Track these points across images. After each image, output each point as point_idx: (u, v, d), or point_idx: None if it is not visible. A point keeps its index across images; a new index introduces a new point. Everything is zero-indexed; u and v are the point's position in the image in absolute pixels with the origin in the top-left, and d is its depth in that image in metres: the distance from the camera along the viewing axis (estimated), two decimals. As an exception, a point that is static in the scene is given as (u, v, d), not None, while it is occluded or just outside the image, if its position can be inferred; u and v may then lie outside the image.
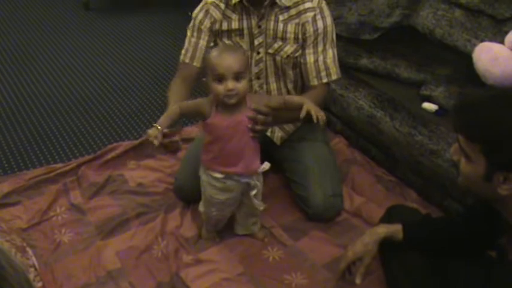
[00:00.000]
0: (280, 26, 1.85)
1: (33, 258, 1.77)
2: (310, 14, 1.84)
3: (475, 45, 2.23)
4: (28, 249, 1.81)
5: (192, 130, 2.50)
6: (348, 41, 2.51)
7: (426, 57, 2.43)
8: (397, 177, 2.19)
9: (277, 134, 2.05)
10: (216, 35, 1.91)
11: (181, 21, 3.82)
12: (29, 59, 3.36)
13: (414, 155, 2.02)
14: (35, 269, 1.72)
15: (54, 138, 2.54)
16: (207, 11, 1.89)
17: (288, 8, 1.84)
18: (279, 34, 1.86)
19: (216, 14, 1.88)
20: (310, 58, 1.88)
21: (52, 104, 2.83)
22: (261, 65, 1.92)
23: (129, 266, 1.79)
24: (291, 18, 1.85)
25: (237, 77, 1.54)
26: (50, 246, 1.87)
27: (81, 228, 1.96)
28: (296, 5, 1.84)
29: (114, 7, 4.31)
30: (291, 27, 1.85)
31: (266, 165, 1.70)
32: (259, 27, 1.86)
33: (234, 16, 1.87)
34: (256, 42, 1.89)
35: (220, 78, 1.54)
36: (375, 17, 2.56)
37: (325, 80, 1.91)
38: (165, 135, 1.59)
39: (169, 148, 1.66)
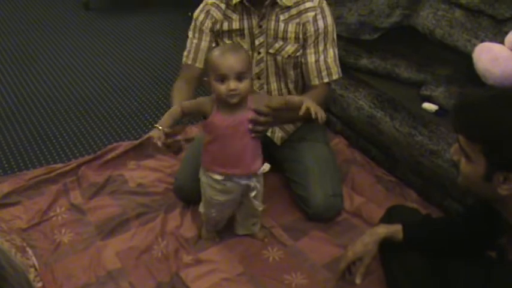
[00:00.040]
0: (281, 25, 1.85)
1: (33, 258, 1.77)
2: (310, 14, 1.84)
3: (475, 45, 2.23)
4: (28, 249, 1.81)
5: (192, 130, 2.50)
6: (348, 41, 2.51)
7: (426, 57, 2.43)
8: (397, 178, 2.19)
9: (277, 134, 2.05)
10: (217, 36, 1.91)
11: (181, 22, 3.83)
12: (29, 59, 3.35)
13: (414, 155, 2.02)
14: (35, 269, 1.72)
15: (54, 138, 2.54)
16: (207, 12, 1.89)
17: (288, 8, 1.84)
18: (280, 34, 1.86)
19: (217, 15, 1.88)
20: (311, 58, 1.88)
21: (52, 104, 2.83)
22: (262, 65, 1.92)
23: (129, 266, 1.79)
24: (291, 18, 1.85)
25: (239, 77, 1.54)
26: (50, 246, 1.87)
27: (81, 229, 1.95)
28: (297, 4, 1.84)
29: (114, 7, 4.31)
30: (291, 27, 1.85)
31: (266, 167, 1.69)
32: (260, 27, 1.86)
33: (235, 16, 1.87)
34: (257, 42, 1.88)
35: (223, 78, 1.54)
36: (375, 17, 2.56)
37: (326, 80, 1.91)
38: (167, 136, 1.58)
39: (172, 148, 1.66)
